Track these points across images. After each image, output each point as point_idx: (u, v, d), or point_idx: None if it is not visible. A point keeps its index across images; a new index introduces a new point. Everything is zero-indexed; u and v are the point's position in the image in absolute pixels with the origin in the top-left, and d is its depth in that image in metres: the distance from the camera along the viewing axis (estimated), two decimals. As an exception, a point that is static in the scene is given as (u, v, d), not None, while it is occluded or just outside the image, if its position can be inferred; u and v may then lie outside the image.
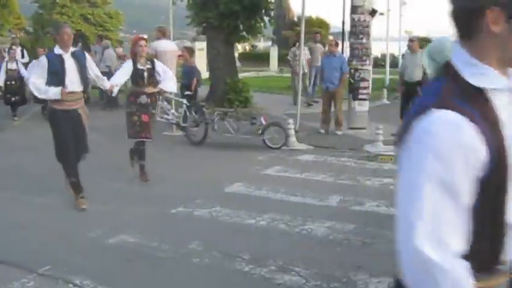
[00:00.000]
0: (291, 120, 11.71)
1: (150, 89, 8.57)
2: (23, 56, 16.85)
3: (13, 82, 15.13)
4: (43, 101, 15.37)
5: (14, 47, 17.05)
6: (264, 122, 11.34)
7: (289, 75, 24.43)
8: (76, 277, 5.15)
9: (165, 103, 12.11)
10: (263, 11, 17.39)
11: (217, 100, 16.40)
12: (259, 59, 40.35)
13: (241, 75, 19.85)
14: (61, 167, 7.36)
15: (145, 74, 8.48)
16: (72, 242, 6.08)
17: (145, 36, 9.51)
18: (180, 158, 10.53)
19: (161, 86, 8.70)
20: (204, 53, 25.56)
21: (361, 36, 13.16)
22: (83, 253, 5.76)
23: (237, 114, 11.94)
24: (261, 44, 58.49)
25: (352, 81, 13.22)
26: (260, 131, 11.17)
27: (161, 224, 6.66)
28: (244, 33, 17.72)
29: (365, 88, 13.36)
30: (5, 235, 6.18)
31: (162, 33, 13.35)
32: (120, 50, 20.72)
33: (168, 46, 13.02)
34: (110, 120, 12.84)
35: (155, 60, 9.11)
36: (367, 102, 13.45)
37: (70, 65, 7.14)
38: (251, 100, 16.68)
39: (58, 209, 7.20)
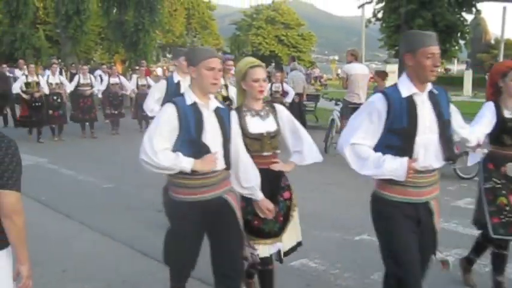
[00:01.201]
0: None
1: None
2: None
3: None
4: None
5: None
6: (456, 151, 10.90)
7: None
8: (258, 296, 5.32)
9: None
10: (459, 34, 16.83)
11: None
12: (453, 82, 38.97)
13: (432, 99, 19.23)
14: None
15: None
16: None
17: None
18: (366, 184, 10.32)
19: None
20: (395, 76, 25.29)
21: None
22: (268, 273, 5.91)
23: (426, 141, 11.54)
24: (455, 67, 56.71)
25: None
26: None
27: (343, 251, 6.62)
28: (438, 56, 17.27)
29: None
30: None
31: (355, 57, 13.43)
32: (317, 70, 21.03)
33: (360, 69, 13.07)
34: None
35: None
36: None
37: (428, 121, 3.89)
38: (441, 126, 16.08)
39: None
